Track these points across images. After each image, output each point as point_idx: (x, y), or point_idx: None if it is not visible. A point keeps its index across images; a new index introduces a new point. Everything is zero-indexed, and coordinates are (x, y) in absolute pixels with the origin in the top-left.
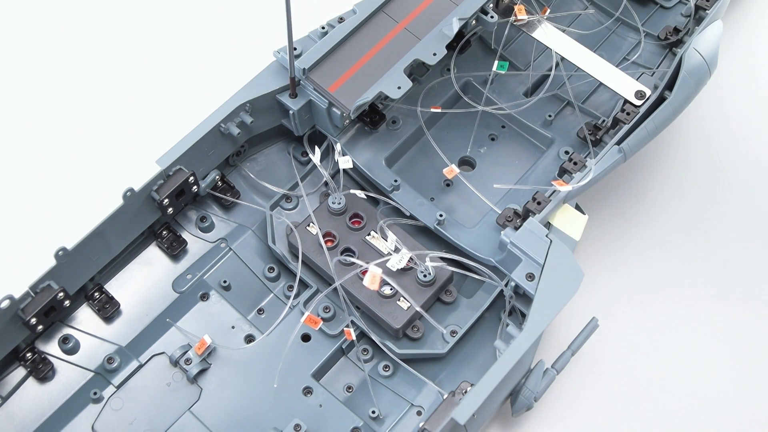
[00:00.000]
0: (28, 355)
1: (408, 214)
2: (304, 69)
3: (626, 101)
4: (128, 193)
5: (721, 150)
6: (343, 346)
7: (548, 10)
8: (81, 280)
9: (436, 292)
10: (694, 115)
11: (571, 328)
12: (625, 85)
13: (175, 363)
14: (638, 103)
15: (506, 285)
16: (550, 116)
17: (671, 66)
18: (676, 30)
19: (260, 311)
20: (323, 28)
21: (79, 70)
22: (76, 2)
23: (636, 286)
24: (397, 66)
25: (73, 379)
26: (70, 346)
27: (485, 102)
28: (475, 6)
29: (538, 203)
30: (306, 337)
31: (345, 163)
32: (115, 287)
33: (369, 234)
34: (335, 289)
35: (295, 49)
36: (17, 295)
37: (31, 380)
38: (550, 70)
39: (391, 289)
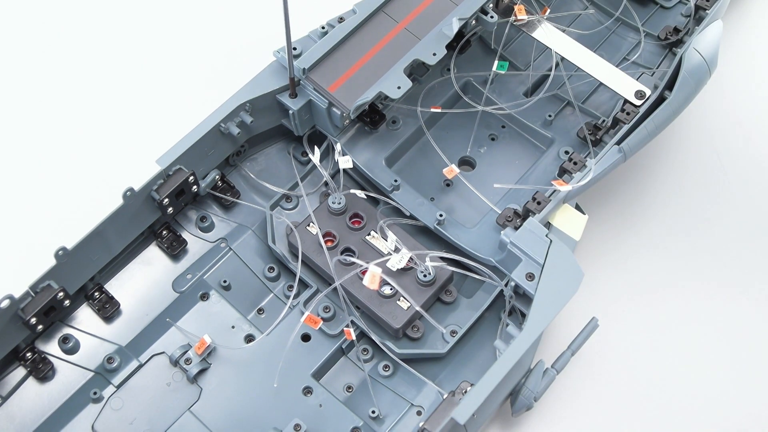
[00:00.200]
0: (28, 354)
1: (408, 214)
2: (304, 69)
3: (626, 101)
4: (128, 193)
5: (721, 150)
6: (343, 346)
7: (548, 10)
8: (81, 280)
9: (436, 292)
10: (694, 115)
11: (571, 328)
12: (625, 85)
13: (175, 363)
14: (638, 103)
15: (506, 285)
16: (550, 116)
17: (671, 66)
18: (676, 30)
19: (260, 311)
20: (323, 28)
21: (80, 70)
22: (76, 2)
23: (636, 286)
24: (397, 66)
25: (73, 378)
26: (70, 346)
27: (485, 102)
28: (475, 6)
29: (538, 203)
30: (306, 337)
31: (345, 163)
32: (115, 287)
33: (369, 234)
34: (335, 289)
35: (295, 48)
36: (17, 295)
37: (31, 380)
38: (550, 70)
39: (391, 289)
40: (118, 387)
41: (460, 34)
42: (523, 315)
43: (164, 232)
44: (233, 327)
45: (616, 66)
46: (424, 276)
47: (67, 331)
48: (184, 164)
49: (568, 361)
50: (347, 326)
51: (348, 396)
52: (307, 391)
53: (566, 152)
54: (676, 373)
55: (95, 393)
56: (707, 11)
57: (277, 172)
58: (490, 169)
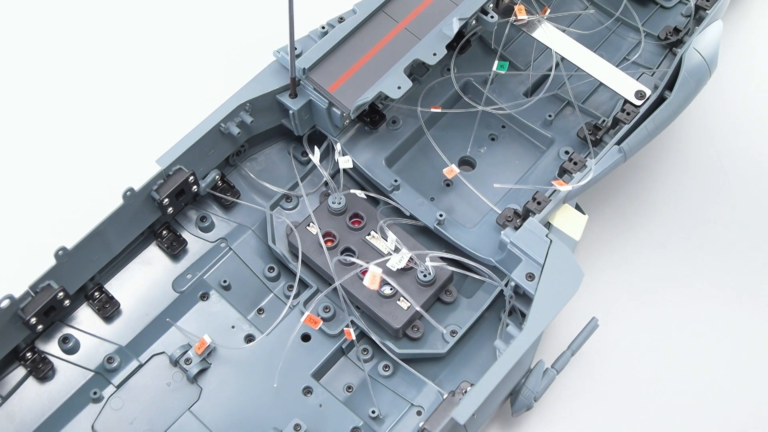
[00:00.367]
0: (28, 354)
1: (408, 214)
2: (304, 69)
3: (626, 101)
4: (128, 193)
5: (721, 150)
6: (343, 346)
7: (548, 10)
8: (81, 280)
9: (436, 292)
10: (694, 115)
11: (571, 328)
12: (625, 85)
13: (175, 363)
14: (638, 103)
15: (506, 285)
16: (550, 116)
17: (671, 66)
18: (676, 30)
19: (260, 311)
20: (323, 27)
21: (80, 70)
22: (76, 2)
23: (636, 286)
24: (397, 66)
25: (73, 378)
26: (70, 346)
27: (485, 102)
28: (475, 6)
29: (538, 203)
30: (306, 337)
31: (345, 163)
32: (115, 287)
33: (369, 234)
34: (335, 289)
35: (295, 48)
36: (17, 295)
37: (31, 380)
38: (550, 70)
39: (391, 289)
40: (118, 387)
41: (460, 34)
42: (523, 315)
43: (164, 232)
44: (233, 327)
45: (616, 66)
46: (424, 276)
47: (67, 331)
48: (184, 164)
49: (568, 361)
50: (347, 326)
51: (348, 396)
52: (307, 391)
53: (566, 152)
54: (676, 374)
55: (95, 393)
56: (707, 11)
57: (277, 172)
58: (490, 169)
